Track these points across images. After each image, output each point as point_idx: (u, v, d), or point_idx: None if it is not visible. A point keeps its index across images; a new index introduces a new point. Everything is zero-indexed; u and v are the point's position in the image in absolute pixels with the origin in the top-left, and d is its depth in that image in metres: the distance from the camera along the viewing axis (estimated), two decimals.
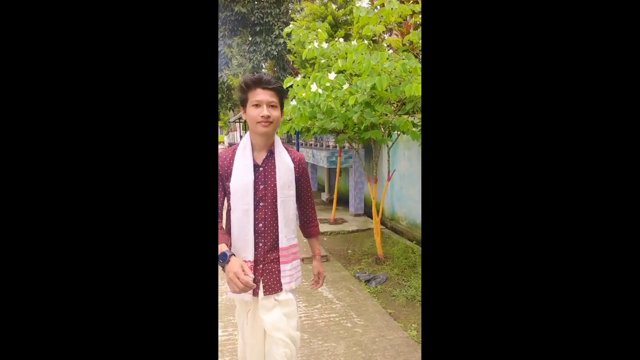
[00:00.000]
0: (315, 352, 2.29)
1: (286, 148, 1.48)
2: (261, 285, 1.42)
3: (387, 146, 3.92)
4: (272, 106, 1.36)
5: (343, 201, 6.55)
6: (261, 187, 1.39)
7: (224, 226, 1.45)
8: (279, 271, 1.43)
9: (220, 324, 2.56)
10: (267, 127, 1.35)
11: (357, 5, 2.88)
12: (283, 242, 1.43)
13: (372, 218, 4.75)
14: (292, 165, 1.45)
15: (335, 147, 6.06)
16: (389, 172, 3.96)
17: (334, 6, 8.66)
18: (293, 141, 7.98)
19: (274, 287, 1.44)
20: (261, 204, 1.39)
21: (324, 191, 7.46)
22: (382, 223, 5.22)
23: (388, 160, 3.96)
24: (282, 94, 1.39)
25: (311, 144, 7.48)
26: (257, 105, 1.34)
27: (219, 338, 2.41)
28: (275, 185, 1.40)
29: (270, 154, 1.43)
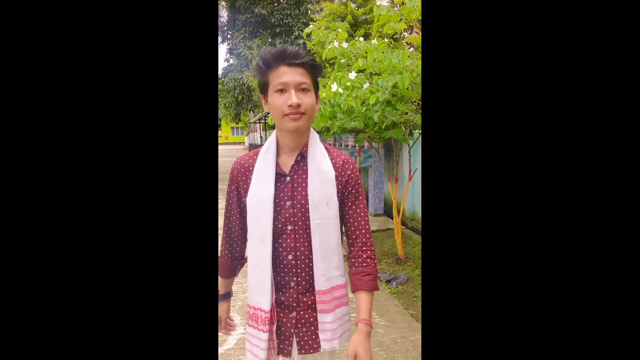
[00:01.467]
0: (337, 352, 2.29)
1: (327, 148, 1.05)
2: (294, 341, 1.02)
3: (409, 145, 3.88)
4: (303, 90, 0.94)
5: None
6: (288, 204, 0.99)
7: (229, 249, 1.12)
8: (317, 322, 1.02)
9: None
10: (297, 121, 0.93)
11: (377, 3, 2.86)
12: (320, 283, 0.99)
13: (392, 218, 4.70)
14: (332, 172, 0.99)
15: (355, 146, 6.03)
16: (410, 171, 3.92)
17: (353, 5, 8.64)
18: None
19: (312, 344, 1.03)
20: (289, 227, 0.99)
21: None
22: (403, 223, 5.17)
23: (409, 160, 3.92)
24: (316, 71, 0.97)
25: (330, 144, 7.48)
26: (281, 91, 0.93)
27: (222, 350, 2.45)
28: (306, 201, 0.98)
29: (302, 158, 1.01)
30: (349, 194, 1.03)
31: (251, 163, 1.04)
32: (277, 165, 1.01)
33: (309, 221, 0.99)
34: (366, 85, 2.94)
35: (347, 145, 6.64)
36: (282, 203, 1.00)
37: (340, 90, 2.93)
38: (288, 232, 1.00)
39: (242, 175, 1.03)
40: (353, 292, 1.03)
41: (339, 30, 3.35)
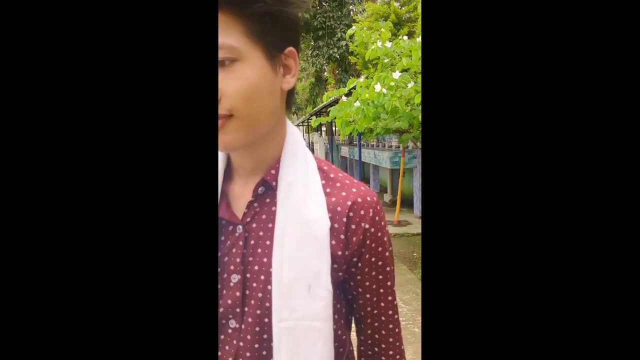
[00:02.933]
0: None
1: (327, 172, 0.55)
2: None
3: None
4: (228, 62, 0.45)
5: (407, 203, 6.39)
6: (234, 280, 0.51)
7: None
8: None
9: None
10: (220, 133, 0.47)
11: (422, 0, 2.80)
12: None
13: None
14: (324, 222, 0.50)
15: (399, 147, 5.94)
16: None
17: (396, 4, 8.52)
18: (355, 142, 7.98)
19: None
20: (232, 326, 0.52)
21: (386, 192, 7.36)
22: None
23: None
24: (265, 20, 0.45)
25: (373, 145, 7.42)
26: None
27: None
28: (267, 279, 0.50)
29: (266, 189, 0.52)
30: (365, 266, 0.53)
31: None
32: (224, 203, 0.53)
33: (271, 321, 0.49)
34: (411, 85, 2.88)
35: (391, 146, 6.55)
36: (223, 277, 0.51)
37: (384, 90, 2.89)
38: (230, 331, 0.52)
39: None
40: None
41: (382, 30, 3.32)
